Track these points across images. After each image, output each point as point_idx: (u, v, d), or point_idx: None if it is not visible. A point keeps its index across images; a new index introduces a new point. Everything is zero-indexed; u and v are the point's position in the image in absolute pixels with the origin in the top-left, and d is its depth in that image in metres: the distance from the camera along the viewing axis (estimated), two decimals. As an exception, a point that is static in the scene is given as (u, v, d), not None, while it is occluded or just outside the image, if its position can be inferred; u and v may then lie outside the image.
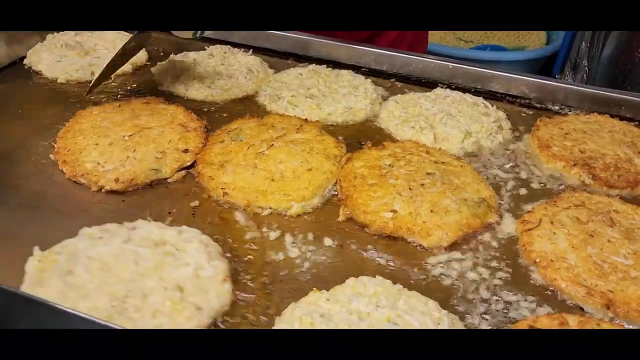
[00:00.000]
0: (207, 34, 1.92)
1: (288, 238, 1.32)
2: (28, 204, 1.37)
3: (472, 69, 2.00)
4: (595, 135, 1.69)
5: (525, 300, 1.20)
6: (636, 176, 1.53)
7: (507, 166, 1.61)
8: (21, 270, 1.14)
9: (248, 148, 1.53)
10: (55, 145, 1.53)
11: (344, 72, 1.97)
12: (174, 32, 1.75)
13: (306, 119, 1.70)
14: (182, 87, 1.86)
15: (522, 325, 1.11)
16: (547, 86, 1.93)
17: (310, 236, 1.33)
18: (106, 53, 1.94)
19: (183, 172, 1.50)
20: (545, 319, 1.12)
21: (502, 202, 1.46)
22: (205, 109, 1.79)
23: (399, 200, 1.38)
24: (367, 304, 1.11)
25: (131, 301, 1.06)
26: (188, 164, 1.51)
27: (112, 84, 1.88)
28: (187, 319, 1.04)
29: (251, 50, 2.10)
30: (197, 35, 1.72)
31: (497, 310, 1.17)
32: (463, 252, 1.31)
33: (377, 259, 1.28)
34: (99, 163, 1.45)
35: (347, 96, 1.82)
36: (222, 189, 1.41)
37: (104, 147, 1.50)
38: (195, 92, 1.85)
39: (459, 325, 1.10)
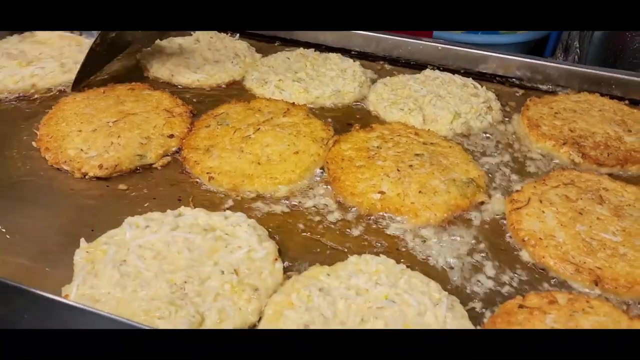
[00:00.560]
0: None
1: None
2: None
3: (461, 50, 1.98)
4: (585, 114, 1.68)
5: (514, 279, 1.19)
6: (626, 154, 1.52)
7: (497, 146, 1.59)
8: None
9: (234, 132, 1.52)
10: (38, 133, 1.51)
11: (332, 55, 1.95)
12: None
13: (293, 102, 1.68)
14: (168, 72, 1.84)
15: (512, 304, 1.11)
16: (538, 66, 1.91)
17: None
18: (52, 62, 1.78)
19: (168, 158, 1.48)
20: (535, 297, 1.12)
21: (491, 182, 1.45)
22: (192, 95, 1.77)
23: (387, 182, 1.36)
24: (367, 281, 1.11)
25: (190, 287, 1.07)
26: (173, 149, 1.50)
27: (98, 73, 1.84)
28: (247, 300, 1.07)
29: (238, 35, 2.08)
30: None
31: (487, 290, 1.16)
32: (451, 233, 1.29)
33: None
34: (82, 150, 1.43)
35: (335, 79, 1.80)
36: (207, 173, 1.40)
37: (88, 133, 1.48)
38: (182, 77, 1.82)
39: (458, 307, 1.09)
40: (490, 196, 1.40)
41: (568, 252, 1.21)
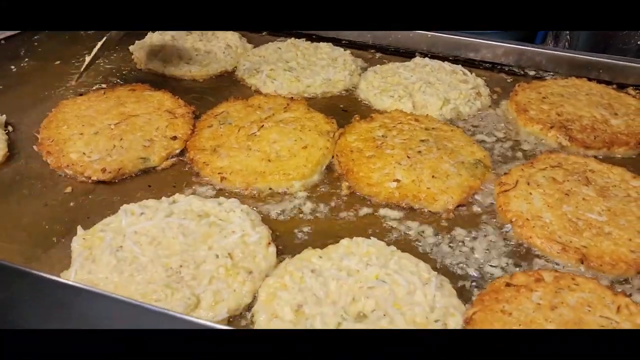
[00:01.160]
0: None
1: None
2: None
3: (451, 37, 2.00)
4: (573, 98, 1.70)
5: (502, 259, 1.22)
6: (612, 136, 1.55)
7: (486, 131, 1.62)
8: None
9: (239, 131, 1.51)
10: (39, 136, 1.49)
11: (322, 44, 1.97)
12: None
13: (292, 97, 1.70)
14: (161, 64, 1.85)
15: (500, 283, 1.13)
16: (526, 52, 1.94)
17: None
18: None
19: (173, 160, 1.47)
20: (522, 275, 1.14)
21: (480, 166, 1.48)
22: (185, 87, 1.78)
23: (400, 169, 1.39)
24: (358, 262, 1.13)
25: (186, 270, 1.10)
26: (177, 151, 1.48)
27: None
28: (241, 283, 1.10)
29: None
30: None
31: (476, 269, 1.19)
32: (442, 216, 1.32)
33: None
34: (84, 153, 1.42)
35: (325, 68, 1.82)
36: (219, 173, 1.39)
37: (90, 136, 1.47)
38: (174, 69, 1.84)
39: (447, 286, 1.12)
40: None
41: (555, 232, 1.23)
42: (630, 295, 1.13)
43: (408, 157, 1.42)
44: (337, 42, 2.03)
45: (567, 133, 1.55)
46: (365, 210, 1.33)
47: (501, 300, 1.08)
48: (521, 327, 1.02)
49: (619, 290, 1.14)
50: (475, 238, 1.26)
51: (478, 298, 1.10)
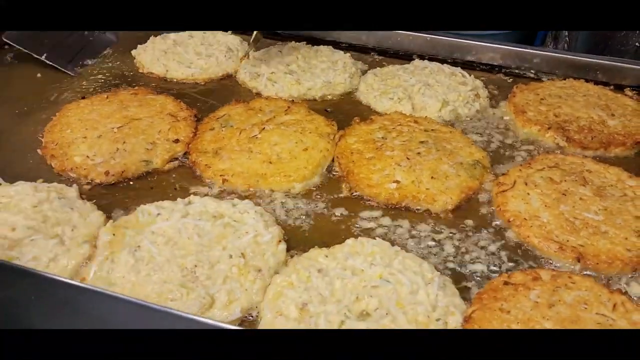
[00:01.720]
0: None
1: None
2: None
3: (450, 40, 2.02)
4: (570, 100, 1.72)
5: (500, 258, 1.24)
6: (609, 137, 1.57)
7: (484, 132, 1.64)
8: None
9: (240, 133, 1.54)
10: (43, 140, 1.52)
11: (323, 47, 1.99)
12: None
13: (292, 100, 1.72)
14: (163, 68, 1.87)
15: (498, 281, 1.15)
16: (524, 54, 1.96)
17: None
18: None
19: (175, 163, 1.49)
20: (519, 274, 1.17)
21: (478, 167, 1.50)
22: (187, 90, 1.80)
23: (400, 171, 1.41)
24: (362, 262, 1.16)
25: (200, 270, 1.14)
26: (179, 154, 1.50)
27: (93, 69, 1.88)
28: (252, 281, 1.13)
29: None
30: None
31: (476, 269, 1.21)
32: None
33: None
34: (88, 156, 1.44)
35: (326, 71, 1.84)
36: (221, 175, 1.41)
37: (93, 140, 1.49)
38: (175, 72, 1.86)
39: (449, 286, 1.14)
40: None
41: (552, 232, 1.25)
42: (625, 292, 1.15)
43: (407, 158, 1.44)
44: (337, 45, 2.05)
45: (565, 134, 1.57)
46: (365, 211, 1.35)
47: (500, 299, 1.10)
48: (519, 325, 1.05)
49: (615, 288, 1.16)
50: (474, 238, 1.29)
51: (477, 297, 1.12)
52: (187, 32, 2.06)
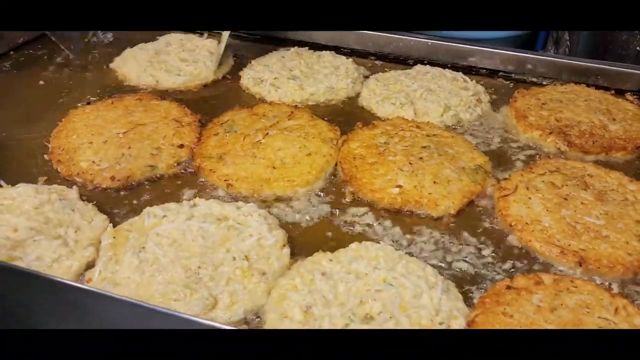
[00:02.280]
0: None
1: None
2: None
3: (452, 45, 2.03)
4: (571, 104, 1.74)
5: (502, 262, 1.25)
6: (610, 141, 1.58)
7: (486, 137, 1.65)
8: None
9: (244, 138, 1.55)
10: (49, 145, 1.54)
11: (325, 53, 2.00)
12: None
13: (296, 105, 1.73)
14: (151, 79, 1.85)
15: (501, 286, 1.16)
16: (526, 59, 1.97)
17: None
18: None
19: (180, 167, 1.50)
20: (522, 278, 1.17)
21: (480, 172, 1.51)
22: (190, 96, 1.81)
23: (402, 176, 1.42)
24: (366, 265, 1.17)
25: (204, 272, 1.15)
26: (184, 159, 1.51)
27: (75, 93, 1.80)
28: (256, 284, 1.15)
29: (206, 34, 2.09)
30: None
31: (478, 273, 1.22)
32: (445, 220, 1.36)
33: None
34: (94, 162, 1.46)
35: (328, 76, 1.86)
36: (225, 180, 1.43)
37: (99, 145, 1.51)
38: (166, 81, 1.84)
39: (453, 290, 1.15)
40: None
41: (553, 236, 1.26)
42: (627, 296, 1.16)
43: (410, 163, 1.45)
44: (339, 50, 2.06)
45: (566, 138, 1.59)
46: (368, 216, 1.36)
47: (502, 303, 1.11)
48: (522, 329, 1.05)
49: (617, 292, 1.17)
50: (476, 242, 1.30)
51: (480, 301, 1.13)
52: (164, 40, 2.03)
